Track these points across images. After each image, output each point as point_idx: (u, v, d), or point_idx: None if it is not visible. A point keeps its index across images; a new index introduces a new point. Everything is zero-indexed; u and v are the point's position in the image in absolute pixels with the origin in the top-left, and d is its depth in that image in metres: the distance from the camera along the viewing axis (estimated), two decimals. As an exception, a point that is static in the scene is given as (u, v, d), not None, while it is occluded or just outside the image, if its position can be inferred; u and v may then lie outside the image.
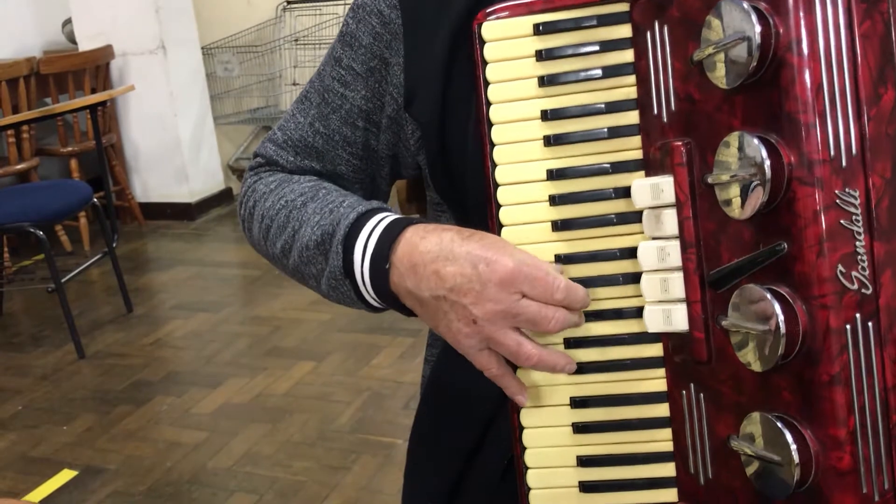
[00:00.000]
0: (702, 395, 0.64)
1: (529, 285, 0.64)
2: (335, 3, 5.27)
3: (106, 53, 4.55)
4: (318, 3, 5.54)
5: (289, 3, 5.87)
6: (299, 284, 0.82)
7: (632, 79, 0.65)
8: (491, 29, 0.67)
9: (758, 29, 0.55)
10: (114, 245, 3.53)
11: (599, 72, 0.65)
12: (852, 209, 0.56)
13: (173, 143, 4.74)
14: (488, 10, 0.67)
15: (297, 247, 0.76)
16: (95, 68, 4.49)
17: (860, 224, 0.56)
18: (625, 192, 0.65)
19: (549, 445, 0.69)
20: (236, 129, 5.44)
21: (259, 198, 0.82)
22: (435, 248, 0.66)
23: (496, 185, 0.68)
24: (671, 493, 0.67)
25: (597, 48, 0.65)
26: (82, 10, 4.64)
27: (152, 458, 2.50)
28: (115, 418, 2.74)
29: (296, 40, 5.48)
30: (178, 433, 2.63)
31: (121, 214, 4.77)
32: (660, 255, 0.64)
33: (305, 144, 0.82)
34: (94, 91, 4.43)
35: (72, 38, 4.83)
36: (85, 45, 4.63)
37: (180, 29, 4.73)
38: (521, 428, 0.69)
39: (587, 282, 0.67)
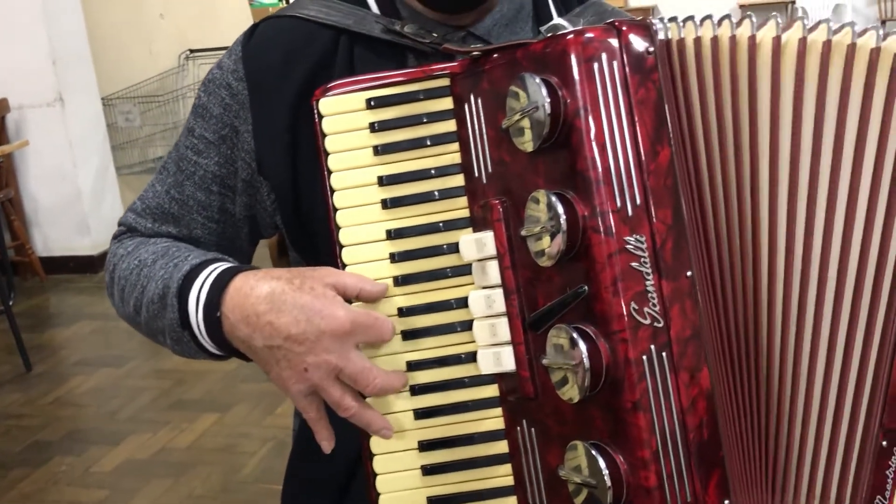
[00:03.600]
0: (533, 429, 0.70)
1: (364, 334, 0.69)
2: (238, 51, 5.29)
3: (1, 107, 4.45)
4: (221, 52, 5.55)
5: (192, 51, 5.86)
6: None
7: (456, 146, 0.72)
8: (327, 104, 0.73)
9: (548, 99, 0.63)
10: (10, 302, 3.44)
11: (428, 140, 0.73)
12: (640, 252, 0.63)
13: (74, 196, 4.65)
14: (326, 86, 0.73)
15: (145, 303, 0.79)
16: (-11, 122, 4.39)
17: (648, 265, 0.63)
18: (456, 248, 0.72)
19: (401, 489, 0.73)
20: (140, 179, 5.37)
21: (118, 261, 0.85)
22: (266, 298, 0.69)
23: (341, 246, 0.73)
24: (516, 525, 0.72)
25: (424, 119, 0.72)
26: (-25, 63, 4.55)
27: (51, 522, 2.43)
28: (10, 483, 2.65)
29: (199, 88, 5.47)
30: (77, 493, 2.56)
31: (21, 270, 4.63)
32: (487, 302, 0.70)
33: (162, 211, 0.86)
34: (-13, 146, 4.33)
35: (-36, 92, 4.71)
36: (-22, 98, 4.53)
37: (79, 80, 4.66)
38: (375, 475, 0.73)
39: (428, 331, 0.72)
